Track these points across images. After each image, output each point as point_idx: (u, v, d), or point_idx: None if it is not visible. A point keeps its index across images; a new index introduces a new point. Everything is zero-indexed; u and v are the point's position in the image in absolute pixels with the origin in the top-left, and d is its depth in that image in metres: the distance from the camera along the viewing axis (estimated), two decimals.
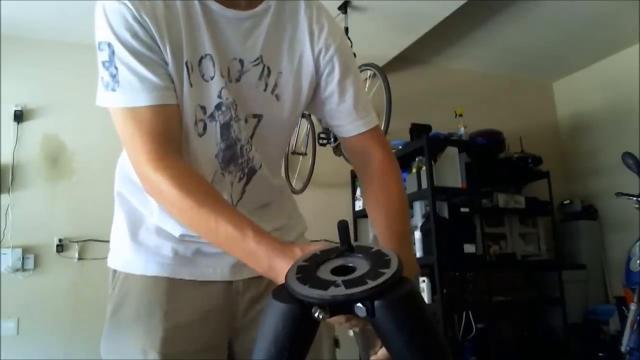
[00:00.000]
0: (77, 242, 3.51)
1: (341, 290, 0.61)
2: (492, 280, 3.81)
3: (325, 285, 0.63)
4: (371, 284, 0.61)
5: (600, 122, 4.84)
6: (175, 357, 0.91)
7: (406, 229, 0.98)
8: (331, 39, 1.00)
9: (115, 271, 1.01)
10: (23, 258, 3.40)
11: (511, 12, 3.98)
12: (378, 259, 0.67)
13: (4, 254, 3.36)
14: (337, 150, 3.77)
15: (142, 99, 0.84)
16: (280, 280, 0.71)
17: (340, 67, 1.00)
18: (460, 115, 4.05)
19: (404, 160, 3.89)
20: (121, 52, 0.84)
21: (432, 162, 3.63)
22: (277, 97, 0.98)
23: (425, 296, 3.41)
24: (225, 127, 0.94)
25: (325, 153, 3.88)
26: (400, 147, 3.92)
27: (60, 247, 3.48)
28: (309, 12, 1.00)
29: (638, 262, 2.80)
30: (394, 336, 0.62)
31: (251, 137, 0.98)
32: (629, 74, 4.47)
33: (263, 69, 0.96)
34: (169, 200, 0.84)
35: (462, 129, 3.96)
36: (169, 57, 0.87)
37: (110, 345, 0.95)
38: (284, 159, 1.20)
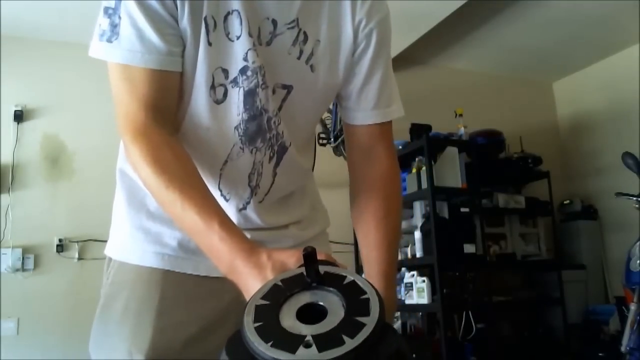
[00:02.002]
0: (77, 242, 3.51)
1: (313, 353, 0.49)
2: (492, 280, 3.80)
3: (292, 343, 0.50)
4: (349, 344, 0.49)
5: (600, 122, 4.84)
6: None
7: (396, 257, 0.90)
8: (374, 10, 0.89)
9: (110, 259, 0.92)
10: (23, 258, 3.40)
11: (511, 12, 3.98)
12: (354, 299, 0.54)
13: (4, 254, 3.36)
14: (337, 150, 3.76)
15: (138, 59, 0.75)
16: (242, 285, 0.65)
17: (376, 44, 0.89)
18: (460, 115, 4.05)
19: (404, 160, 3.89)
20: (130, 2, 0.75)
21: (432, 162, 3.62)
22: (311, 67, 0.86)
23: (425, 296, 3.41)
24: (250, 95, 0.83)
25: (325, 153, 3.88)
26: (400, 147, 3.91)
27: (60, 247, 3.48)
28: None
29: (638, 262, 2.80)
30: None
31: (279, 110, 0.87)
32: (629, 74, 4.47)
33: (298, 33, 0.84)
34: (141, 176, 0.76)
35: (462, 129, 3.96)
36: (185, 11, 0.77)
37: (97, 343, 0.87)
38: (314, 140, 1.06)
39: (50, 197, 3.54)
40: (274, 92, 0.85)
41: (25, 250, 3.42)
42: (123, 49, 0.75)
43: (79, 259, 3.51)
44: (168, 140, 0.77)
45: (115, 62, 0.77)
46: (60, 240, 3.49)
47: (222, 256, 0.69)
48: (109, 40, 0.76)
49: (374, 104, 0.92)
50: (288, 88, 0.86)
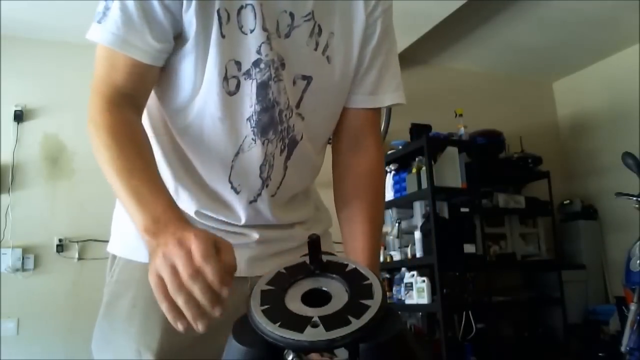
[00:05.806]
0: (77, 242, 3.51)
1: (321, 333, 0.50)
2: (492, 280, 3.80)
3: (300, 324, 0.52)
4: (355, 323, 0.51)
5: (600, 122, 4.84)
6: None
7: (379, 247, 0.95)
8: (381, 1, 0.94)
9: (114, 257, 0.92)
10: (23, 258, 3.40)
11: (511, 12, 3.98)
12: (356, 284, 0.56)
13: (4, 254, 3.36)
14: None
15: (119, 45, 0.77)
16: (161, 241, 0.63)
17: (380, 33, 0.93)
18: (460, 115, 4.05)
19: (404, 160, 3.89)
20: None
21: (432, 162, 3.62)
22: (328, 59, 0.89)
23: (425, 296, 3.41)
24: (262, 87, 0.84)
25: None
26: (400, 147, 3.91)
27: (60, 247, 3.48)
28: None
29: (638, 262, 2.80)
30: None
31: (299, 101, 0.88)
32: (629, 74, 4.47)
33: (314, 26, 0.87)
34: (95, 142, 0.76)
35: (462, 129, 3.96)
36: (192, 4, 0.78)
37: (102, 342, 0.87)
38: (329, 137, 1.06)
39: (50, 197, 3.54)
40: (294, 83, 0.87)
41: (25, 250, 3.42)
42: (107, 31, 0.77)
43: (79, 259, 3.51)
44: (131, 118, 0.80)
45: (97, 41, 0.79)
46: (60, 240, 3.49)
47: (146, 201, 0.69)
48: (99, 22, 0.78)
49: (371, 89, 0.95)
50: (308, 79, 0.88)
